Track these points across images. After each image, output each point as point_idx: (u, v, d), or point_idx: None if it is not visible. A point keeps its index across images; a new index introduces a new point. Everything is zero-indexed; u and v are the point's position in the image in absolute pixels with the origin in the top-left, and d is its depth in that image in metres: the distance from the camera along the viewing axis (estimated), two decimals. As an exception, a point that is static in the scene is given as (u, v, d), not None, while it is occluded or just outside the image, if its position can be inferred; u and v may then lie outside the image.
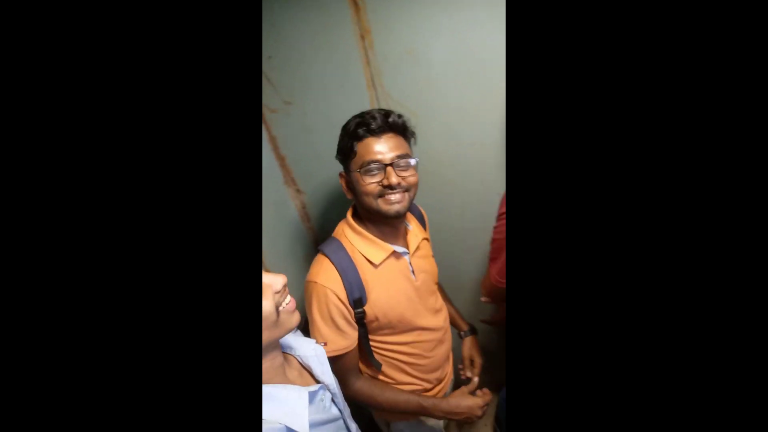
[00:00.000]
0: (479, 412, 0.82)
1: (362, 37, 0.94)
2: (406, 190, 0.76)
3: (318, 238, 1.24)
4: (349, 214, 0.84)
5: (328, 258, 0.78)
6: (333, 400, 0.65)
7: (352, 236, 0.81)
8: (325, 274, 0.76)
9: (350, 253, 0.79)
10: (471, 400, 0.82)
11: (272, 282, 0.53)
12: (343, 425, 0.67)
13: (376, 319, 0.80)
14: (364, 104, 1.00)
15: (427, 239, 0.95)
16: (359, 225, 0.82)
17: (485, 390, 0.84)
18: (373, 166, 0.74)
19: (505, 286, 0.83)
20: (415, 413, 0.84)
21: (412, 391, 0.85)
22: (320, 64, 0.97)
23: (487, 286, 0.91)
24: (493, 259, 0.84)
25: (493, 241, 0.82)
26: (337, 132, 0.81)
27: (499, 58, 0.90)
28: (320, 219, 1.20)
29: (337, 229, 0.86)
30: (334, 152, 0.82)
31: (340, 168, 0.83)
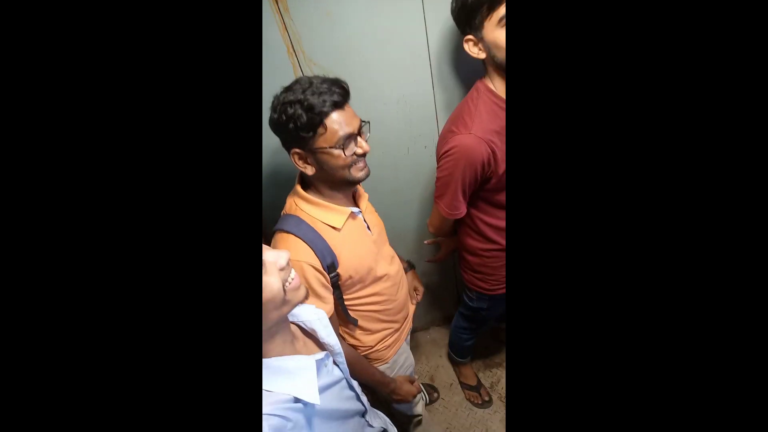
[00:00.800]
0: (410, 399, 1.06)
1: (275, 1, 0.90)
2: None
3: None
4: (298, 188, 0.84)
5: (292, 234, 0.78)
6: (335, 362, 0.68)
7: (309, 207, 0.82)
8: (294, 249, 0.77)
9: (311, 224, 0.80)
10: (410, 387, 1.06)
11: (276, 258, 0.50)
12: (347, 385, 0.70)
13: (350, 277, 0.84)
14: (288, 72, 0.97)
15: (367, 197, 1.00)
16: (313, 195, 0.82)
17: (417, 384, 1.10)
18: (349, 139, 0.74)
19: (454, 217, 0.95)
20: (374, 384, 0.99)
21: (377, 369, 1.01)
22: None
23: (436, 223, 1.02)
24: (439, 195, 0.94)
25: (438, 179, 0.92)
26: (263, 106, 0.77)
27: (418, 12, 0.95)
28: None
29: (288, 205, 0.85)
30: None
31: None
